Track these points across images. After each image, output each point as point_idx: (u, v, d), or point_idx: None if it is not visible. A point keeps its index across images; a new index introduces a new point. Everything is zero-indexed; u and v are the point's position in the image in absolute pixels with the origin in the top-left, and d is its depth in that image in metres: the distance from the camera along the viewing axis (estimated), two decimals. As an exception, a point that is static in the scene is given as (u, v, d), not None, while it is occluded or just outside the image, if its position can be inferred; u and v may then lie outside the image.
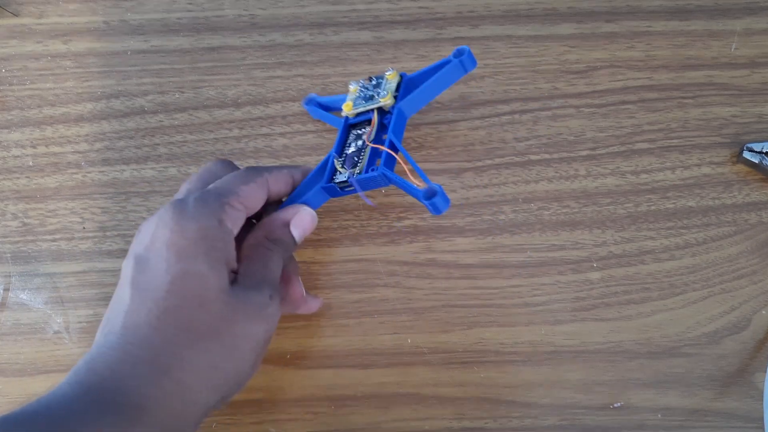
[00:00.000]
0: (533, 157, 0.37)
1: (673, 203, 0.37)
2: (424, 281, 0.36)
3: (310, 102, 0.37)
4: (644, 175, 0.37)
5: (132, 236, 0.36)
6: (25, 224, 0.37)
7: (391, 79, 0.32)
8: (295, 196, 0.32)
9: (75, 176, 0.37)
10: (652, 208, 0.37)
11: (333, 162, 0.32)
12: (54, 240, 0.36)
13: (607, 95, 0.37)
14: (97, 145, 0.37)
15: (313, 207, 0.31)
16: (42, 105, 0.37)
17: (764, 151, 0.36)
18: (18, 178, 0.37)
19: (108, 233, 0.36)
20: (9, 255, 0.36)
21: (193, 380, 0.25)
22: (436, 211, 0.28)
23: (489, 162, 0.37)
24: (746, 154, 0.36)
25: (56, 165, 0.37)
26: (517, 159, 0.37)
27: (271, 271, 0.29)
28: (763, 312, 0.36)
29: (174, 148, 0.37)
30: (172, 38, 0.38)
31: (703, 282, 0.36)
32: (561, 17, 0.38)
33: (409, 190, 0.29)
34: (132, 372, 0.24)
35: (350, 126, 0.34)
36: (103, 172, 0.37)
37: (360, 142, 0.32)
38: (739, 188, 0.37)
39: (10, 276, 0.36)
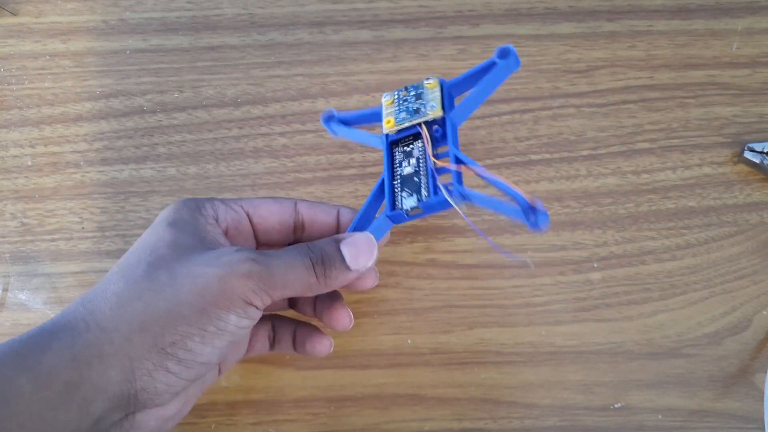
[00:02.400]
0: (534, 157, 0.37)
1: (674, 203, 0.37)
2: (424, 281, 0.36)
3: (330, 119, 0.32)
4: (645, 175, 0.37)
5: (131, 236, 0.36)
6: (23, 224, 0.36)
7: (433, 87, 0.29)
8: (354, 229, 0.30)
9: (74, 176, 0.37)
10: (653, 208, 0.37)
11: (390, 187, 0.29)
12: (53, 240, 0.36)
13: (608, 95, 0.37)
14: (96, 145, 0.37)
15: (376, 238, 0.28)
16: (40, 104, 0.37)
17: (765, 151, 0.36)
18: (17, 177, 0.37)
19: (107, 233, 0.36)
20: (8, 255, 0.36)
21: (108, 307, 0.24)
22: (537, 227, 0.26)
23: (489, 162, 0.37)
24: (747, 154, 0.36)
25: (55, 165, 0.37)
26: (518, 159, 0.37)
27: (279, 259, 0.26)
28: (765, 312, 0.36)
29: (173, 148, 0.37)
30: (171, 37, 0.38)
31: (704, 282, 0.36)
32: (562, 16, 0.38)
33: (499, 207, 0.27)
34: (69, 311, 0.25)
35: (391, 143, 0.30)
36: (102, 171, 0.37)
37: (413, 160, 0.29)
38: (741, 188, 0.37)
39: (8, 276, 0.36)
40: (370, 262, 0.27)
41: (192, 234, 0.26)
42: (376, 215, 0.30)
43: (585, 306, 0.36)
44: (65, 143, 0.37)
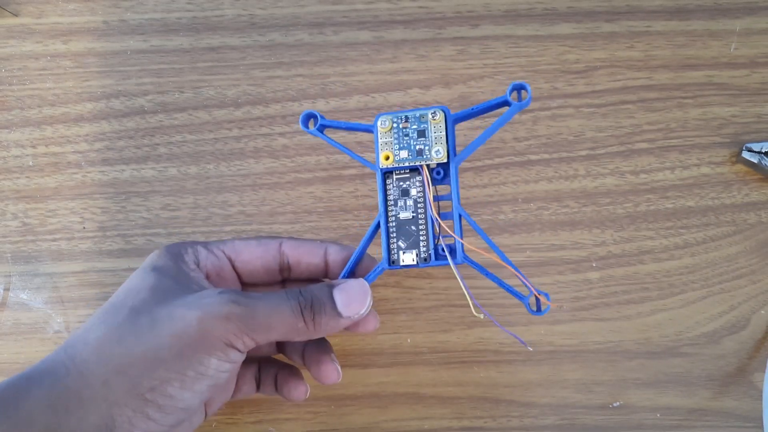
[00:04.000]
0: (533, 157, 0.37)
1: (673, 203, 0.37)
2: (424, 281, 0.36)
3: (308, 119, 0.29)
4: (643, 175, 0.37)
5: (132, 236, 0.37)
6: (25, 224, 0.37)
7: (438, 123, 0.27)
8: (348, 271, 0.29)
9: (75, 176, 0.37)
10: (652, 207, 0.37)
11: (386, 239, 0.28)
12: (54, 240, 0.36)
13: (606, 95, 0.37)
14: (97, 145, 0.37)
15: (369, 281, 0.28)
16: (42, 105, 0.37)
17: (763, 151, 0.36)
18: (18, 178, 0.37)
19: (108, 233, 0.37)
20: (9, 255, 0.36)
21: (88, 352, 0.24)
22: (537, 314, 0.27)
23: (488, 162, 0.37)
24: (745, 154, 0.36)
25: (56, 165, 0.37)
26: (517, 159, 0.37)
27: (263, 301, 0.26)
28: (762, 312, 0.36)
29: (174, 148, 0.37)
30: (172, 38, 0.38)
31: (702, 282, 0.36)
32: (560, 17, 0.38)
33: (500, 283, 0.28)
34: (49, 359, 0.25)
35: (385, 173, 0.28)
36: (103, 172, 0.37)
37: (410, 202, 0.28)
38: (739, 188, 0.37)
39: (10, 276, 0.36)
40: (363, 309, 0.27)
41: (175, 279, 0.26)
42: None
43: (584, 305, 0.36)
44: (66, 143, 0.37)
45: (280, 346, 0.32)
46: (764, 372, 0.34)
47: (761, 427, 0.35)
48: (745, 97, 0.37)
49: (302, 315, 0.26)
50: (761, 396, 0.35)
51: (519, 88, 0.27)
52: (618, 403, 0.35)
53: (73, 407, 0.23)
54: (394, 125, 0.28)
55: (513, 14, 0.38)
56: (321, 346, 0.30)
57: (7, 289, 0.36)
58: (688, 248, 0.36)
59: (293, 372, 0.32)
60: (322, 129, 0.29)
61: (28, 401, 0.23)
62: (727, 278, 0.36)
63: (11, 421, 0.22)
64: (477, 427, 0.35)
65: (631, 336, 0.36)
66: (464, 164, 0.37)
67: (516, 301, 0.36)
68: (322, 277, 0.31)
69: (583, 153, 0.37)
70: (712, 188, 0.37)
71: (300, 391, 0.31)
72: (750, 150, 0.36)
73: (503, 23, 0.38)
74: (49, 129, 0.37)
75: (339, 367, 0.30)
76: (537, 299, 0.27)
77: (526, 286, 0.27)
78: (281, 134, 0.37)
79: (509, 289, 0.28)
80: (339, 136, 0.38)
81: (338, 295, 0.27)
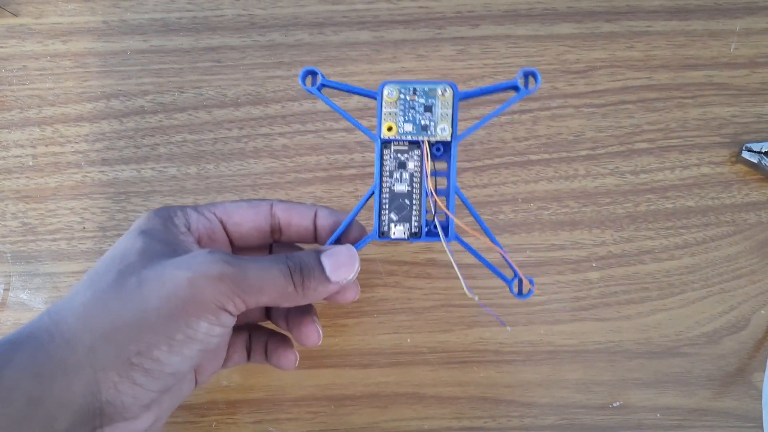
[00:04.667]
0: (533, 157, 0.37)
1: (673, 203, 0.37)
2: (424, 281, 0.36)
3: (308, 76, 0.28)
4: (643, 175, 0.37)
5: (132, 236, 0.37)
6: (25, 224, 0.37)
7: (446, 100, 0.27)
8: (336, 239, 0.29)
9: (75, 176, 0.37)
10: (652, 207, 0.37)
11: (378, 209, 0.28)
12: (54, 240, 0.36)
13: (606, 95, 0.37)
14: (97, 145, 0.37)
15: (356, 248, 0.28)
16: (42, 105, 0.37)
17: (763, 150, 0.36)
18: (18, 178, 0.37)
19: (108, 233, 0.37)
20: (9, 255, 0.36)
21: (74, 318, 0.23)
22: (521, 297, 0.28)
23: (488, 162, 0.37)
24: (745, 154, 0.36)
25: (56, 165, 0.37)
26: (517, 159, 0.37)
27: (254, 263, 0.25)
28: (762, 312, 0.36)
29: (174, 148, 0.37)
30: (172, 38, 0.38)
31: (702, 282, 0.36)
32: (560, 17, 0.38)
33: (486, 264, 0.28)
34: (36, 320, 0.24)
35: (383, 143, 0.28)
36: (102, 172, 0.37)
37: (406, 175, 0.28)
38: (738, 188, 0.37)
39: (10, 276, 0.36)
40: (351, 275, 0.27)
41: (164, 242, 0.26)
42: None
43: (583, 305, 0.36)
44: (66, 143, 0.37)
45: (268, 312, 0.32)
46: (764, 372, 0.34)
47: (761, 427, 0.35)
48: (745, 97, 0.37)
49: (292, 279, 0.25)
50: (761, 396, 0.35)
51: (529, 74, 0.26)
52: (618, 403, 0.35)
53: (58, 375, 0.22)
54: (401, 96, 0.27)
55: (513, 14, 0.38)
56: (304, 308, 0.30)
57: (7, 289, 0.36)
58: (688, 248, 0.36)
59: (283, 339, 0.31)
60: (321, 89, 0.28)
61: (11, 370, 0.22)
62: (727, 278, 0.36)
63: None
64: (477, 427, 0.35)
65: (631, 336, 0.36)
66: (464, 164, 0.37)
67: (517, 300, 0.36)
68: (311, 241, 0.30)
69: (583, 153, 0.37)
70: (712, 188, 0.37)
71: (289, 359, 0.31)
72: (750, 150, 0.36)
73: (503, 23, 0.38)
74: (49, 129, 0.37)
75: (320, 329, 0.29)
76: (520, 283, 0.28)
77: (511, 268, 0.28)
78: (281, 134, 0.37)
79: (496, 271, 0.28)
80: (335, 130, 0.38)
81: (326, 260, 0.26)
